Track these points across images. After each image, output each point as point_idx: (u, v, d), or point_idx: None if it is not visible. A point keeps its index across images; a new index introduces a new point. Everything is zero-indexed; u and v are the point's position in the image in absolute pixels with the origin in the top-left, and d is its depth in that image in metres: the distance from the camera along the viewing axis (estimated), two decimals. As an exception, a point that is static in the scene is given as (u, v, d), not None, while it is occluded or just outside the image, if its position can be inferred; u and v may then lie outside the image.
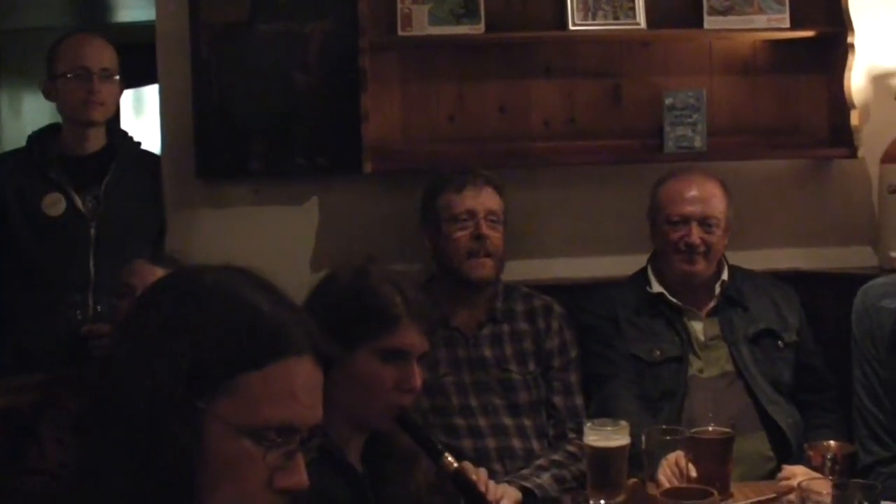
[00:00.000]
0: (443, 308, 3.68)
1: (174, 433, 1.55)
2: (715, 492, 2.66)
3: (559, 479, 3.43)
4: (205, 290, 1.65)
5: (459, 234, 3.69)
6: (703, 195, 3.79)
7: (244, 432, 1.58)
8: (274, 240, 4.14)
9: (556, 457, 3.54)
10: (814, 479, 2.87)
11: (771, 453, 3.64)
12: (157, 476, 1.55)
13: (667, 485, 2.95)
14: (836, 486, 2.74)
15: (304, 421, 1.62)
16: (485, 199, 3.73)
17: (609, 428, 3.12)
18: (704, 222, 3.75)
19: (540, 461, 3.51)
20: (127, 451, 1.56)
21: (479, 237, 3.67)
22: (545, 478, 3.41)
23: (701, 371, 3.75)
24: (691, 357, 3.76)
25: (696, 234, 3.74)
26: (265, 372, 1.59)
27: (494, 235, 3.70)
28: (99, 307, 3.99)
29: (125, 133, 4.43)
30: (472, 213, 3.70)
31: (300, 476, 1.62)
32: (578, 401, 3.70)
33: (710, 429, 3.21)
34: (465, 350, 3.70)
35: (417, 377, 2.56)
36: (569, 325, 3.81)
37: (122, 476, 1.55)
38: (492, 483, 2.77)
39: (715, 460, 3.13)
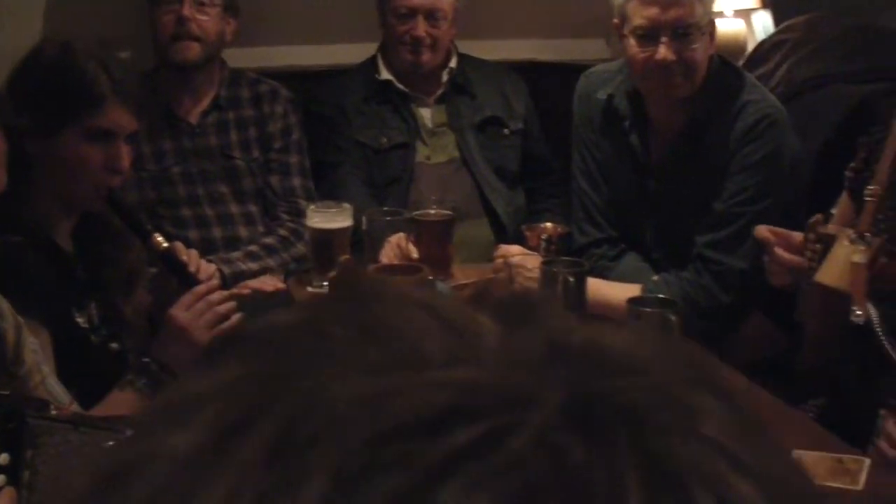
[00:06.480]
0: (166, 97, 3.60)
1: None
2: (424, 267, 2.74)
3: (265, 269, 3.43)
4: None
5: (164, 17, 3.53)
6: None
7: None
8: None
9: (268, 240, 3.55)
10: (525, 255, 2.98)
11: (493, 238, 3.74)
12: None
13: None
14: (544, 263, 2.87)
15: None
16: None
17: (332, 210, 3.18)
18: (431, 16, 3.73)
19: (251, 247, 3.51)
20: None
21: (180, 19, 3.50)
22: (250, 265, 3.43)
23: (428, 158, 3.81)
24: (418, 144, 3.80)
25: (421, 28, 3.72)
26: None
27: (202, 18, 3.53)
28: None
29: None
30: None
31: None
32: (296, 182, 3.67)
33: (432, 212, 3.29)
34: (190, 140, 3.62)
35: (125, 157, 2.54)
36: (294, 109, 3.76)
37: None
38: (203, 262, 2.78)
39: (436, 242, 3.22)
